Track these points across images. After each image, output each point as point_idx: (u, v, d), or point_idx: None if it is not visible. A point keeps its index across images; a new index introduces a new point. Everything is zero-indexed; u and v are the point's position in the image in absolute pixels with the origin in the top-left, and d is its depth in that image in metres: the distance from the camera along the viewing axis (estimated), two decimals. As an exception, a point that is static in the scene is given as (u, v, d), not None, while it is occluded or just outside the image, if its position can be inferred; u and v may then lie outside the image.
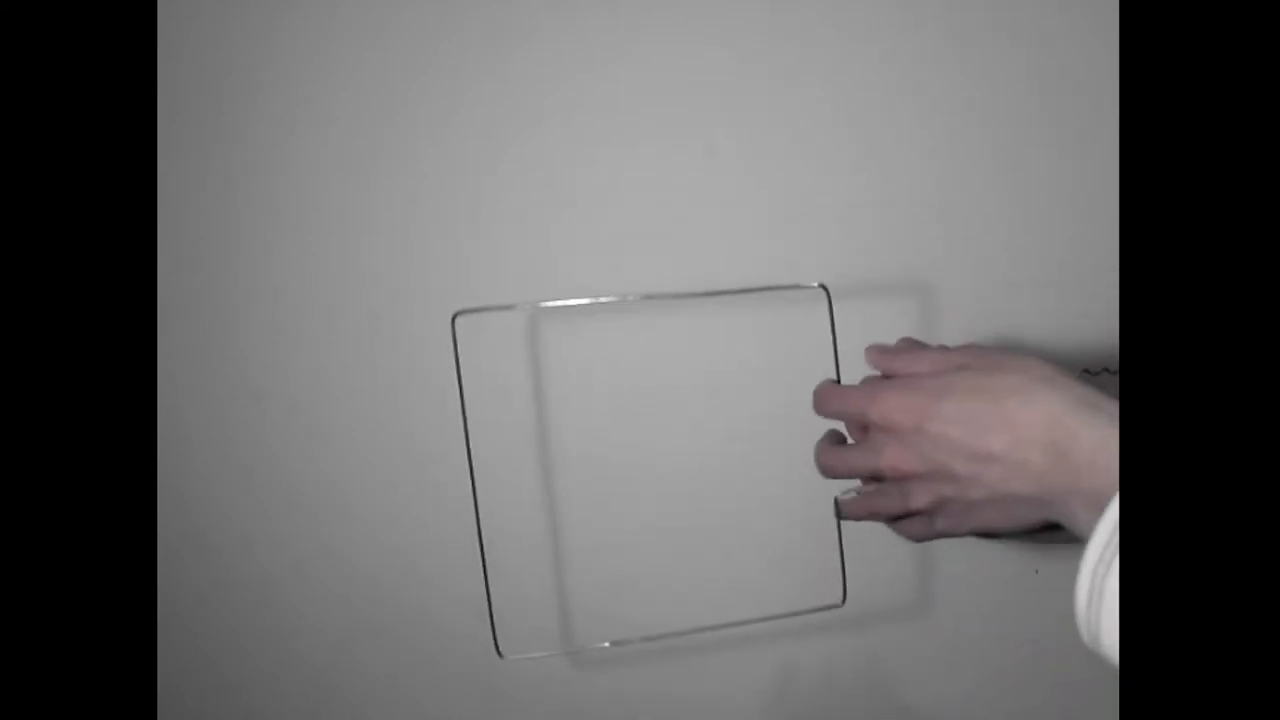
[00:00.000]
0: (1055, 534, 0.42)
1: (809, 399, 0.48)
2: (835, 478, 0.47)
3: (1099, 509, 0.36)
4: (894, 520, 0.47)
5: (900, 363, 0.45)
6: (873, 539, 0.55)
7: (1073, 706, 0.70)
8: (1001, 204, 0.64)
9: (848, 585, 0.53)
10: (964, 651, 0.69)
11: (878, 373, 0.47)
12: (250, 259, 0.65)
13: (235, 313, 0.66)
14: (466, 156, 0.62)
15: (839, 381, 0.49)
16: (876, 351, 0.47)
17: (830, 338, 0.50)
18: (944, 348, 0.46)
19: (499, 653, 0.52)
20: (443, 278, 0.64)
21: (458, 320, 0.50)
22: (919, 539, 0.46)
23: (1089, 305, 0.65)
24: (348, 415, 0.67)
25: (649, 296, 0.55)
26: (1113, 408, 0.38)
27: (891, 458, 0.43)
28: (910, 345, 0.47)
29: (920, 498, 0.43)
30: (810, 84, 0.62)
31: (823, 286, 0.50)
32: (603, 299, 0.53)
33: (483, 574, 0.51)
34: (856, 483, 0.49)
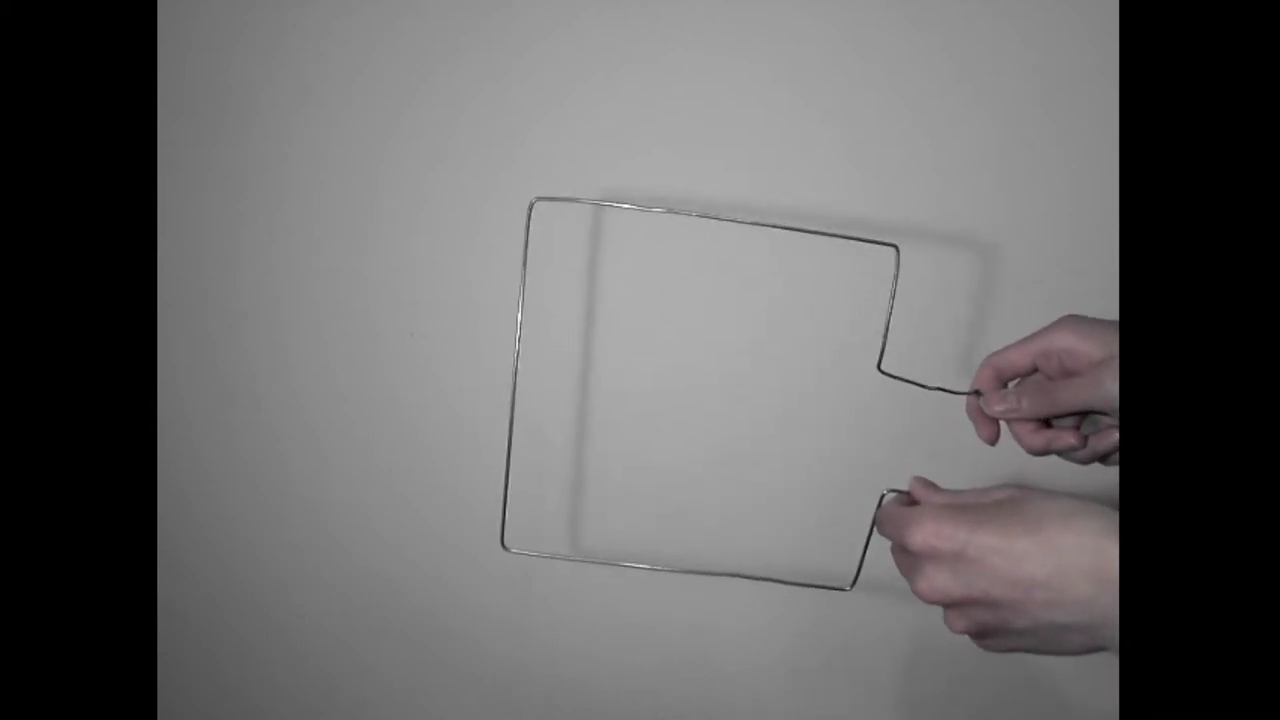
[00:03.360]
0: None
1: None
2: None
3: None
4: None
5: (943, 495, 0.47)
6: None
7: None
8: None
9: (860, 574, 0.51)
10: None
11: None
12: (251, 260, 0.65)
13: (235, 314, 0.66)
14: (470, 162, 0.62)
15: (884, 348, 0.50)
16: (921, 484, 0.48)
17: (889, 299, 0.48)
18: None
19: (504, 544, 0.53)
20: (442, 283, 0.64)
21: (535, 207, 0.49)
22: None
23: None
24: (347, 417, 0.67)
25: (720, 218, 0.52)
26: None
27: (928, 582, 0.43)
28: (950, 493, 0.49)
29: (958, 623, 0.44)
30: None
31: (894, 246, 0.47)
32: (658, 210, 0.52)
33: (506, 460, 0.51)
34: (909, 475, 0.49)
